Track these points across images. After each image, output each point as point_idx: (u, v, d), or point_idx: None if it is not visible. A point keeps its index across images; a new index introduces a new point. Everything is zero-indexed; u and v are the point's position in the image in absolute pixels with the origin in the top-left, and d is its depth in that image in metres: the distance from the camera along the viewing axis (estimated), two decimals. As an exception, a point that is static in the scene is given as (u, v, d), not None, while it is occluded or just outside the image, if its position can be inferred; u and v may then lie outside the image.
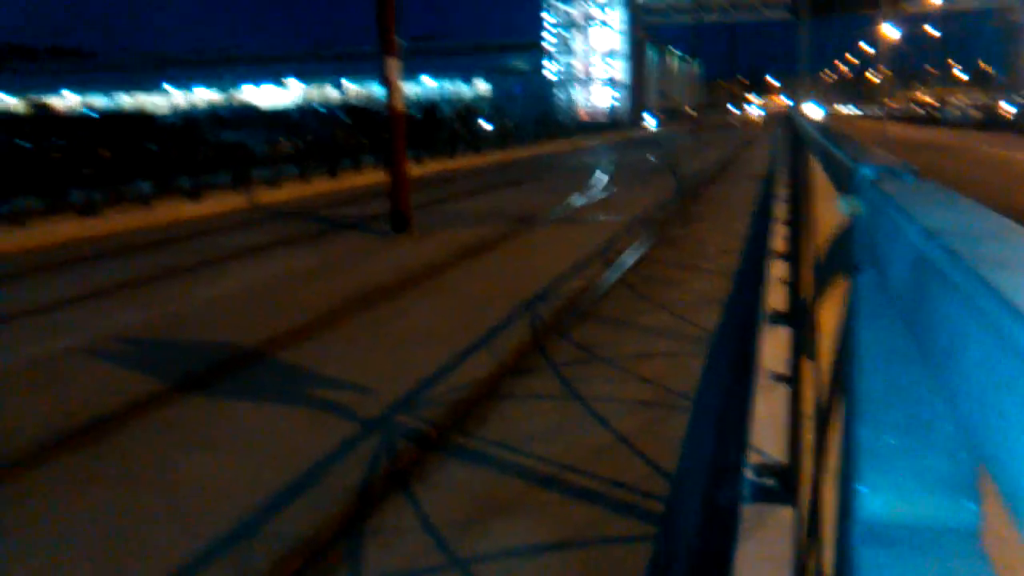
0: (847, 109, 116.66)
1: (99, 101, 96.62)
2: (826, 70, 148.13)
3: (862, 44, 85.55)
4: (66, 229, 12.85)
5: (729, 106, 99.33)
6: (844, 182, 2.62)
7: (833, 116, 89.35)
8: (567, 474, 4.15)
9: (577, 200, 16.84)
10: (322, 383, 5.68)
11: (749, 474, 3.40)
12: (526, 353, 6.28)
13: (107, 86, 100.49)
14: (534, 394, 5.39)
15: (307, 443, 4.62)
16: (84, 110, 69.65)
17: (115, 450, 4.62)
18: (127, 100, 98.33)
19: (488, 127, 36.01)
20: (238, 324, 7.37)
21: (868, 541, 0.66)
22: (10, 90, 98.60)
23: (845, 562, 0.74)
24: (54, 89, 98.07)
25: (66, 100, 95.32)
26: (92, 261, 10.92)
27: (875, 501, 0.72)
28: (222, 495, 4.03)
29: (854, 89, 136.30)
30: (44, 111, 54.01)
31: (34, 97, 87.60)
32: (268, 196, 17.80)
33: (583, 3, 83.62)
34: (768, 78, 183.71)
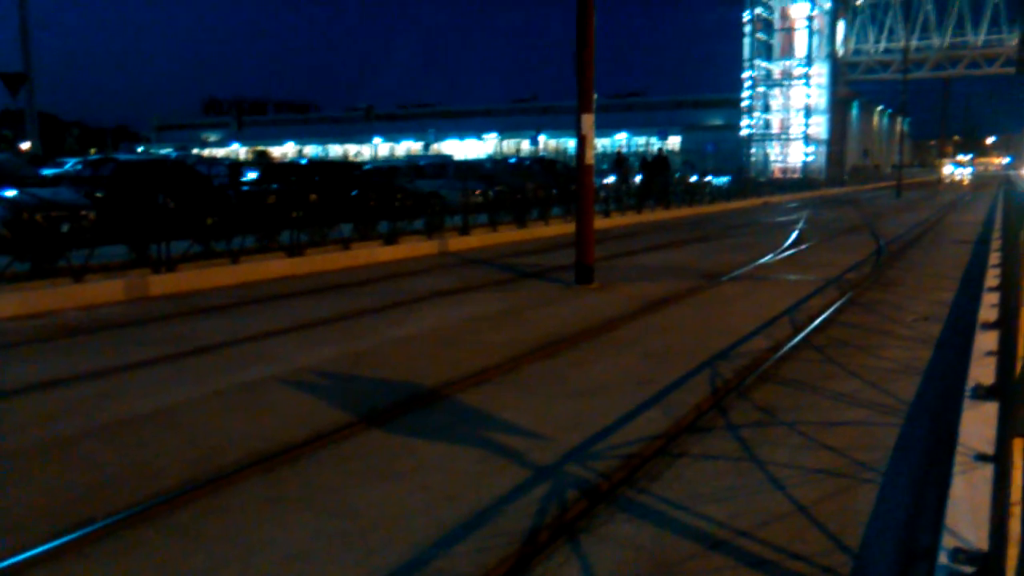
0: None
1: (314, 150, 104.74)
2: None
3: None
4: (274, 267, 13.90)
5: (945, 165, 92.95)
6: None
7: None
8: (740, 539, 3.98)
9: (766, 258, 16.33)
10: (497, 427, 5.77)
11: (943, 559, 3.13)
12: (704, 411, 6.11)
13: (323, 137, 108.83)
14: (710, 454, 5.22)
15: (479, 484, 4.70)
16: (296, 158, 75.60)
17: (301, 475, 4.90)
18: (338, 150, 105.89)
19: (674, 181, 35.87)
20: (421, 364, 7.65)
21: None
22: (243, 140, 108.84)
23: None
24: (279, 140, 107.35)
25: (285, 149, 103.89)
26: (294, 297, 11.73)
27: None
28: (396, 527, 4.17)
29: None
30: (264, 158, 59.09)
31: (257, 147, 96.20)
32: (458, 243, 18.48)
33: (785, 60, 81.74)
34: (986, 137, 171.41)
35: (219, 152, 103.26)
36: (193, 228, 13.43)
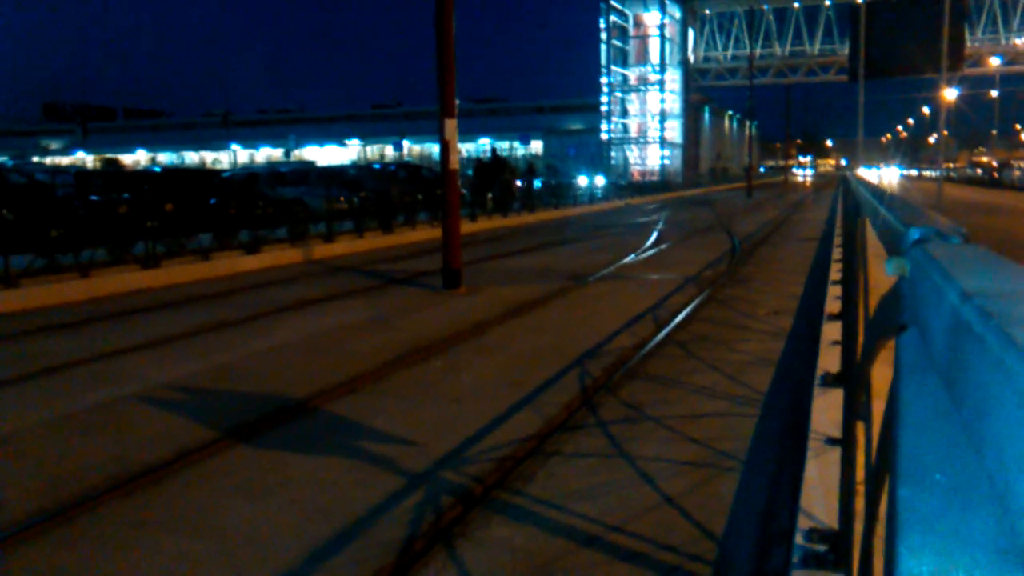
0: (908, 171, 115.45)
1: (168, 158, 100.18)
2: (888, 134, 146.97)
3: (925, 109, 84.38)
4: (128, 280, 13.23)
5: (792, 168, 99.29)
6: (894, 244, 2.59)
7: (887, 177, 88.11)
8: (612, 534, 4.08)
9: (629, 258, 16.82)
10: (369, 436, 5.70)
11: (799, 539, 3.31)
12: (574, 410, 6.23)
13: (177, 145, 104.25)
14: (581, 452, 5.33)
15: (352, 495, 4.62)
16: (150, 166, 72.23)
17: (165, 496, 4.68)
18: (194, 157, 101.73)
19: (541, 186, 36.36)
20: (289, 376, 7.46)
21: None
22: (89, 148, 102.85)
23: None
24: (129, 147, 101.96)
25: (137, 157, 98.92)
26: (151, 311, 11.20)
27: (917, 565, 0.70)
28: (267, 545, 4.05)
29: (914, 151, 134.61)
30: (114, 167, 56.08)
31: (106, 155, 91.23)
32: (323, 251, 18.14)
33: (640, 67, 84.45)
34: (825, 140, 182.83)
35: (63, 160, 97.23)
36: (35, 241, 12.61)
